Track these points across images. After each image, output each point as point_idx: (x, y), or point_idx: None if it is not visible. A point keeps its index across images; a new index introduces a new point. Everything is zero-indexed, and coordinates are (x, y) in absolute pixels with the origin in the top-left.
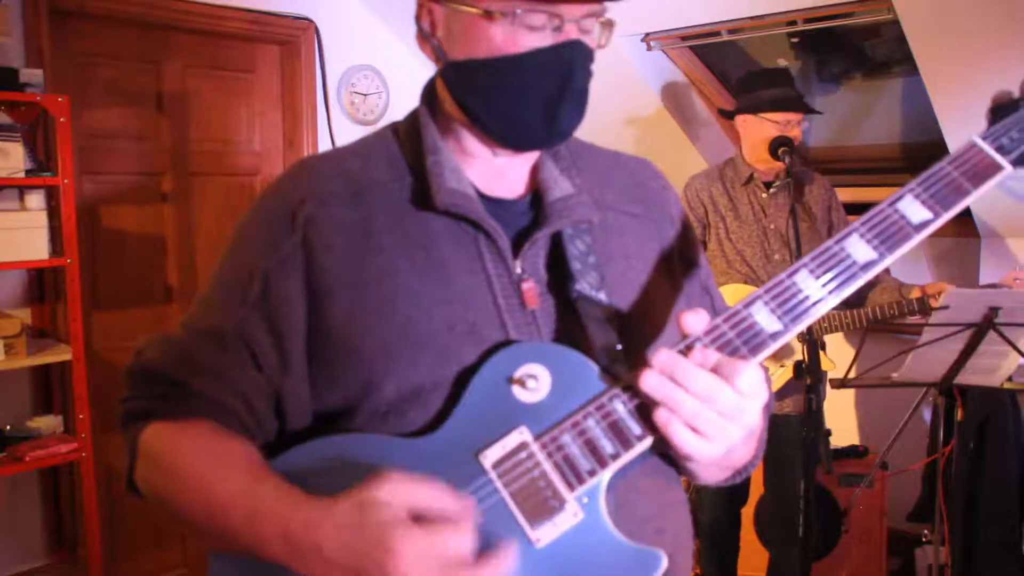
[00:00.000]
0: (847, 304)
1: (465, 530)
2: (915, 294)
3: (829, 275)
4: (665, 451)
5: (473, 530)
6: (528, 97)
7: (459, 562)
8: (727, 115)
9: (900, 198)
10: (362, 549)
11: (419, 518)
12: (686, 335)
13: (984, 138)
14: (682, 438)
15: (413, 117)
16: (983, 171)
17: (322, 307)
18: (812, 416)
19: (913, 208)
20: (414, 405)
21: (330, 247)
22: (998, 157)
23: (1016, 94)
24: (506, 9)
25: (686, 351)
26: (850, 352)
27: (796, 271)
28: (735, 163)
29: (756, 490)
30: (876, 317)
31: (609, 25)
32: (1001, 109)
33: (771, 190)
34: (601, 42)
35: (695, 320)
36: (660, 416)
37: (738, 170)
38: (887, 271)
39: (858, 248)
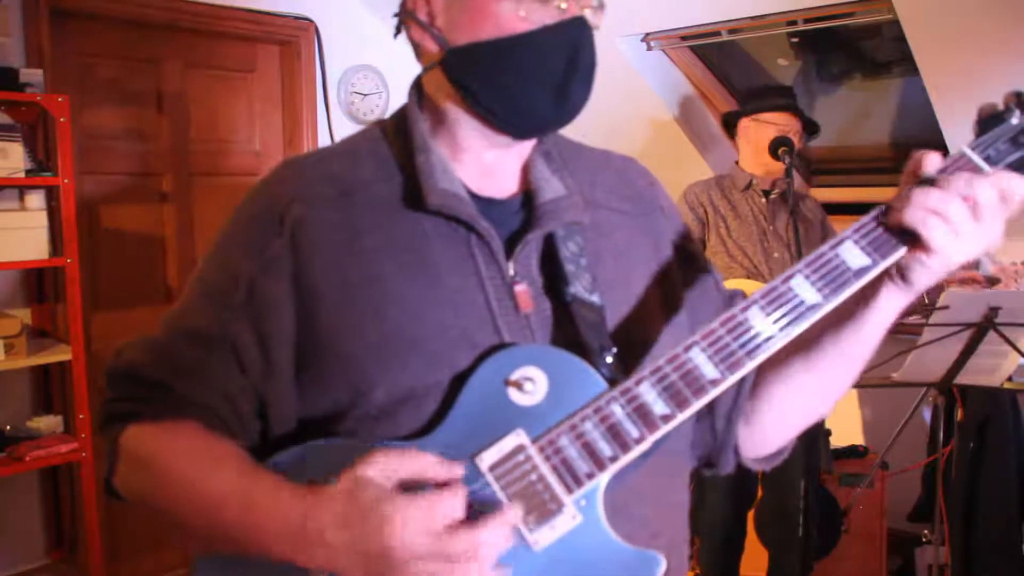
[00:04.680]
0: None
1: (454, 495)
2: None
3: (822, 281)
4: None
5: (463, 494)
6: (539, 75)
7: (451, 525)
8: (728, 123)
9: None
10: (360, 525)
11: (410, 489)
12: (923, 176)
13: (973, 149)
14: (942, 243)
15: (401, 115)
16: None
17: (310, 310)
18: None
19: None
20: (405, 409)
21: (318, 250)
22: (986, 167)
23: (1000, 106)
24: None
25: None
26: None
27: (791, 276)
28: (732, 173)
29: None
30: None
31: (601, 7)
32: (987, 122)
33: (770, 196)
34: (595, 23)
35: (933, 160)
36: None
37: (736, 178)
38: None
39: (852, 254)
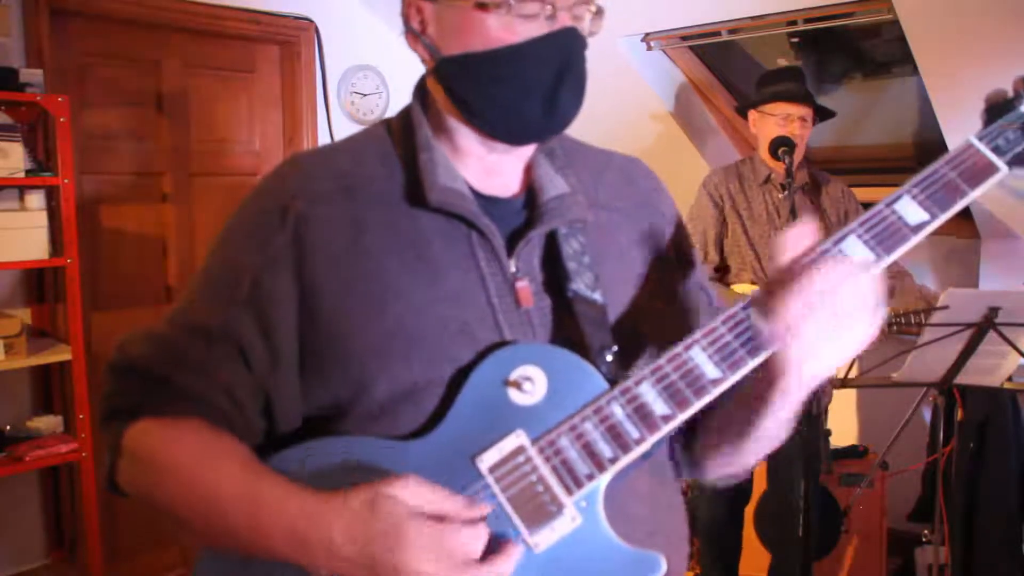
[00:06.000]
0: None
1: (476, 529)
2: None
3: None
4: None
5: (484, 532)
6: (527, 87)
7: (468, 559)
8: (740, 113)
9: (897, 199)
10: (373, 540)
11: (431, 517)
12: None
13: (980, 139)
14: (808, 346)
15: (405, 114)
16: (980, 172)
17: (313, 306)
18: (812, 416)
19: (910, 209)
20: (406, 406)
21: (321, 246)
22: (994, 158)
23: (1010, 93)
24: None
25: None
26: None
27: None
28: (753, 162)
29: (758, 489)
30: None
31: (600, 13)
32: (995, 109)
33: (786, 192)
34: (592, 30)
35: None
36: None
37: (756, 170)
38: (910, 277)
39: (856, 250)
